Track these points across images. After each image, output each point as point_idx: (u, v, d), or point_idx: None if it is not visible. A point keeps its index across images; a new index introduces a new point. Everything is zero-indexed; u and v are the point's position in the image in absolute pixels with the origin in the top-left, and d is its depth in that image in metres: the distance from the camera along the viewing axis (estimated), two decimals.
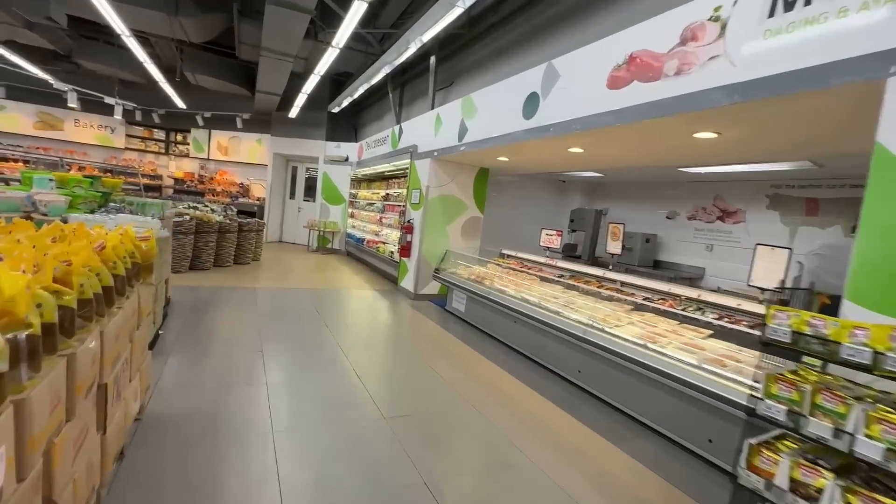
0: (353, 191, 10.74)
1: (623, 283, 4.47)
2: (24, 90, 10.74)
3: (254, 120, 11.67)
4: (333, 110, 10.43)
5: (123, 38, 6.05)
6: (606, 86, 3.41)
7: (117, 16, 5.83)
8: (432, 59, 6.90)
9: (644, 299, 3.95)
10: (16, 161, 9.54)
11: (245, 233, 7.76)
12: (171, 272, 5.06)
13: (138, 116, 11.77)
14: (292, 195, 12.29)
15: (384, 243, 8.73)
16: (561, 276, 5.14)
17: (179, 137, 12.96)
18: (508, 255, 6.39)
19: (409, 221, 6.75)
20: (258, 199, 12.33)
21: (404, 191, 8.00)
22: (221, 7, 7.00)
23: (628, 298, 4.07)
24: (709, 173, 5.39)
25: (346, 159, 10.76)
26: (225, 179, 12.68)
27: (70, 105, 8.67)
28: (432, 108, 6.80)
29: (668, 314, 3.73)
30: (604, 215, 7.42)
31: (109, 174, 11.50)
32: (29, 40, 8.60)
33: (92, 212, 3.41)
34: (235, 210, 8.55)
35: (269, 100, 9.80)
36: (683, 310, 3.62)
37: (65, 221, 2.90)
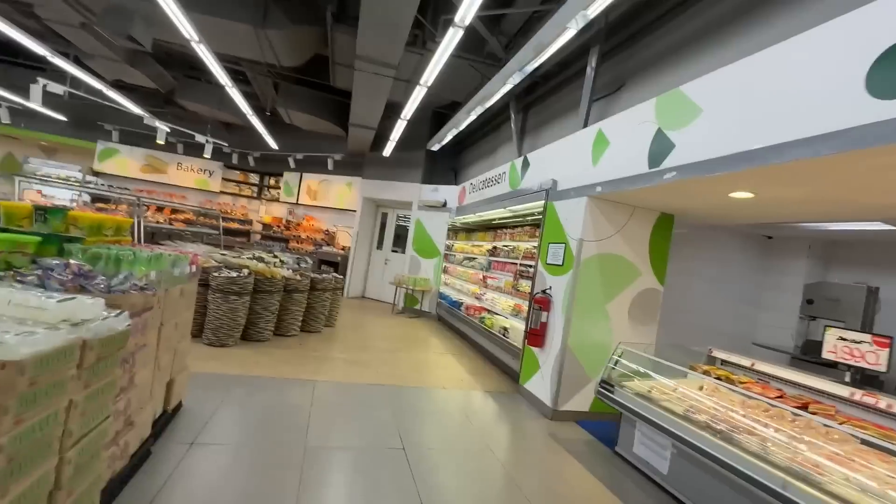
0: (448, 241, 8.82)
1: None
2: (135, 134, 10.88)
3: (345, 162, 10.61)
4: (433, 147, 8.84)
5: (193, 43, 4.91)
6: None
7: (193, 28, 4.74)
8: (592, 55, 4.77)
9: None
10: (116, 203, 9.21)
11: (318, 292, 6.04)
12: (190, 356, 3.26)
13: (234, 160, 11.41)
14: (379, 245, 10.76)
15: (490, 312, 6.47)
16: None
17: (272, 181, 12.45)
18: (726, 362, 3.70)
19: (545, 292, 4.41)
20: (343, 249, 11.00)
21: (522, 244, 5.79)
22: (313, 16, 5.77)
23: None
24: None
25: (444, 204, 8.97)
26: (311, 226, 11.67)
27: (158, 141, 8.14)
28: (585, 125, 4.62)
29: None
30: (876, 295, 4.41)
31: (202, 218, 11.05)
32: (133, 79, 8.36)
33: None
34: (313, 262, 7.03)
35: (363, 136, 8.52)
36: None
37: None
